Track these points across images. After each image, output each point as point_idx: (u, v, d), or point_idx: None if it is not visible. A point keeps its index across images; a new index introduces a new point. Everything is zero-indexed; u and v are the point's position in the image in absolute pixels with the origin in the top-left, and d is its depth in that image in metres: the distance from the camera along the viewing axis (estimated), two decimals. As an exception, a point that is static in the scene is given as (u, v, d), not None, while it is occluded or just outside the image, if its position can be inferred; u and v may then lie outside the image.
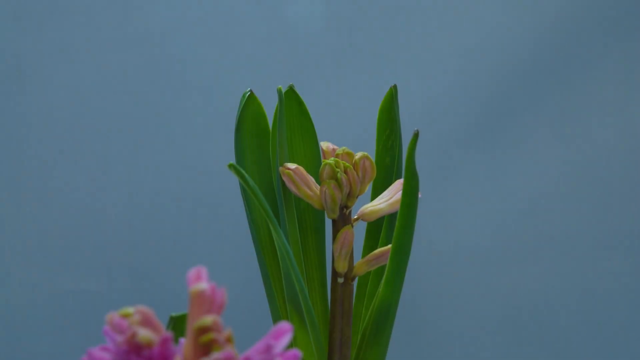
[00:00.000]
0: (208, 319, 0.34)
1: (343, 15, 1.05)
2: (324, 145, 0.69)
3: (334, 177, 0.65)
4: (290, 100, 0.70)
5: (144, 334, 0.33)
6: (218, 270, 1.00)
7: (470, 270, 1.04)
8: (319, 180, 0.68)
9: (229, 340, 0.35)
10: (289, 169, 0.66)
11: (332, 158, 0.66)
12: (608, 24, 1.04)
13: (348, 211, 0.67)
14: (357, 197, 0.67)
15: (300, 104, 0.70)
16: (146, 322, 0.35)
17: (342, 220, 0.67)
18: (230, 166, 0.59)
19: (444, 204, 1.04)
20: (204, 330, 0.34)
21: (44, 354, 1.01)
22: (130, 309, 0.35)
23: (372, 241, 0.72)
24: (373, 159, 0.70)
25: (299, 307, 0.64)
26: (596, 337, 1.04)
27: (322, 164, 0.66)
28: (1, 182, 1.02)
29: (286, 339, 0.35)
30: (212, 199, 1.03)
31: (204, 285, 0.35)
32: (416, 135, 0.60)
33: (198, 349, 0.34)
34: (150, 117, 1.04)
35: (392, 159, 0.71)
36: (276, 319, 0.70)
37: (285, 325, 0.35)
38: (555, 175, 1.04)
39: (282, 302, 0.69)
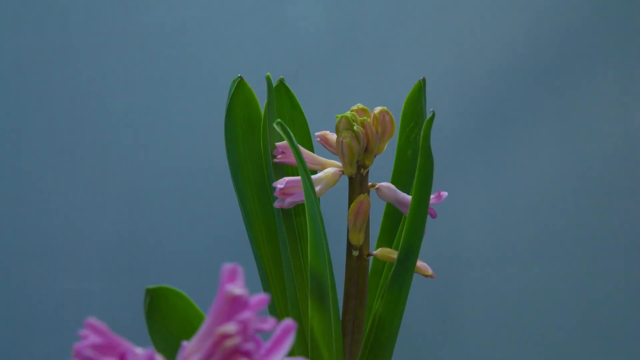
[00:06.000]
0: (231, 327, 0.32)
1: (343, 15, 1.05)
2: (322, 133, 0.67)
3: (350, 129, 0.63)
4: (281, 94, 0.69)
5: None
6: (216, 268, 0.99)
7: (470, 270, 1.04)
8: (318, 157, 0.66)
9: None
10: (283, 191, 0.62)
11: (349, 112, 0.64)
12: (608, 25, 1.04)
13: (365, 172, 0.64)
14: (374, 155, 0.64)
15: (291, 97, 0.69)
16: (102, 348, 0.32)
17: (359, 181, 0.64)
18: (278, 124, 0.57)
19: (444, 204, 1.04)
20: (228, 336, 0.32)
21: (44, 354, 1.01)
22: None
23: (390, 219, 0.70)
24: (394, 152, 0.67)
25: (322, 281, 0.60)
26: (596, 336, 1.03)
27: (338, 117, 0.63)
28: (1, 182, 1.02)
29: (290, 339, 0.34)
30: (210, 197, 1.03)
31: (239, 290, 0.33)
32: (432, 116, 0.60)
33: (215, 350, 0.32)
34: (149, 118, 1.03)
35: (415, 152, 0.69)
36: (273, 314, 0.69)
37: (289, 323, 0.35)
38: (556, 175, 1.04)
39: (279, 299, 0.69)
